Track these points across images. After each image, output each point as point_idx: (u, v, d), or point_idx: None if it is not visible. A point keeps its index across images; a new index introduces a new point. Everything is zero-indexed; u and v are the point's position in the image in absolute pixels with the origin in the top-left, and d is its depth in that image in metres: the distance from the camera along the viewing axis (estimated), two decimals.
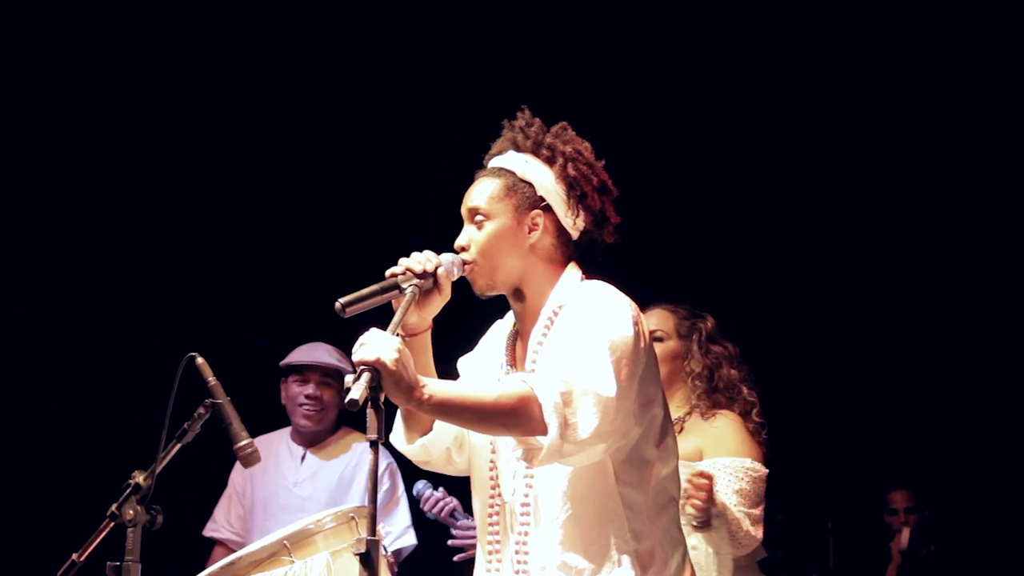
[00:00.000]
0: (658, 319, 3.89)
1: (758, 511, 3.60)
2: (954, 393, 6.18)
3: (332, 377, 4.85)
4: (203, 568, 2.99)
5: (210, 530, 4.90)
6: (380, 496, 4.66)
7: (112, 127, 5.81)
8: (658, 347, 3.77)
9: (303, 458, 4.87)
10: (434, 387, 2.47)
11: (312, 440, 4.89)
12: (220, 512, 4.90)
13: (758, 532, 3.58)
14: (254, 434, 3.01)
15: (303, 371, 4.87)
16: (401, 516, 4.78)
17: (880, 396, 6.22)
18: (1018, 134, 5.78)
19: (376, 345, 2.39)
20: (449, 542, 4.08)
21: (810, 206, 6.04)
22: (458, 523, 4.05)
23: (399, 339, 2.44)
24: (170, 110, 5.84)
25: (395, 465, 4.74)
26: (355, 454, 4.83)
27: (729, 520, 3.52)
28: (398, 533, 4.75)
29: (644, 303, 3.84)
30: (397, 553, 4.76)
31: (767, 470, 3.67)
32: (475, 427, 2.63)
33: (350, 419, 4.97)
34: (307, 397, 4.82)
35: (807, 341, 5.86)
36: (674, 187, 5.84)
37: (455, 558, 4.05)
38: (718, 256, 5.81)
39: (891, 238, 6.11)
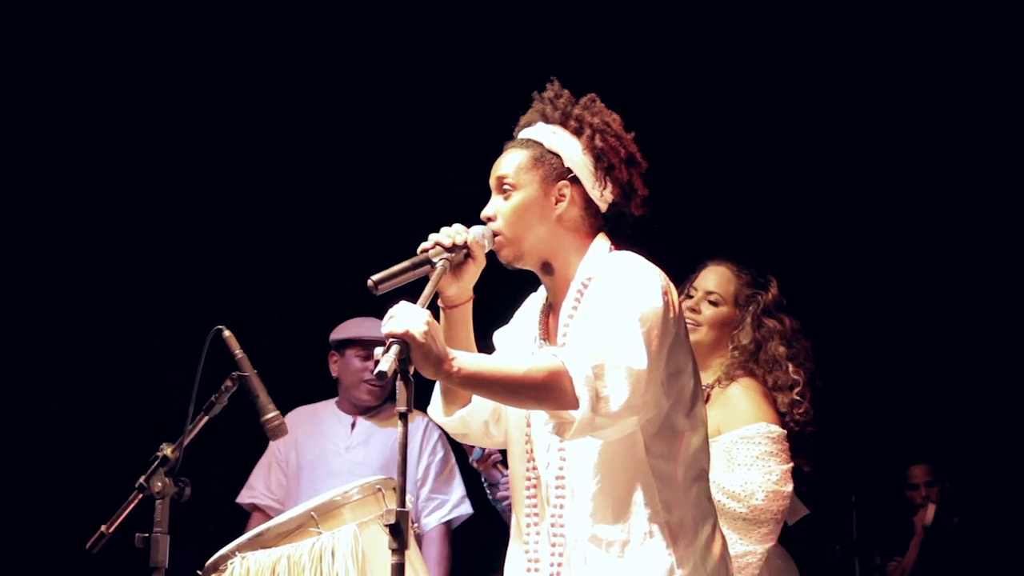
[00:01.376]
0: (720, 280, 3.82)
1: (785, 467, 3.53)
2: (974, 368, 6.17)
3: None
4: (232, 539, 3.01)
5: (247, 497, 4.86)
6: (435, 465, 4.79)
7: (143, 109, 5.83)
8: (712, 312, 3.77)
9: (353, 424, 4.89)
10: (464, 360, 2.47)
11: (363, 409, 4.91)
12: (258, 479, 4.88)
13: (786, 487, 3.51)
14: (280, 407, 3.02)
15: (368, 346, 4.84)
16: (457, 485, 4.82)
17: (903, 369, 6.21)
18: None
19: (405, 318, 2.40)
20: (500, 496, 4.12)
21: (837, 181, 6.02)
22: (504, 475, 4.07)
23: (428, 312, 2.45)
24: (193, 102, 5.86)
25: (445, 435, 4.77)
26: (410, 424, 4.82)
27: (754, 498, 3.47)
28: (455, 502, 4.79)
29: (684, 269, 3.84)
30: (449, 523, 4.79)
31: (784, 430, 3.60)
32: (505, 400, 2.63)
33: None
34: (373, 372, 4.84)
35: (826, 317, 5.85)
36: (701, 157, 5.82)
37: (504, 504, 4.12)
38: (746, 230, 5.80)
39: (910, 219, 6.09)
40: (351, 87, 5.91)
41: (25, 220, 5.78)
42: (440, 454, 4.81)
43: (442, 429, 4.62)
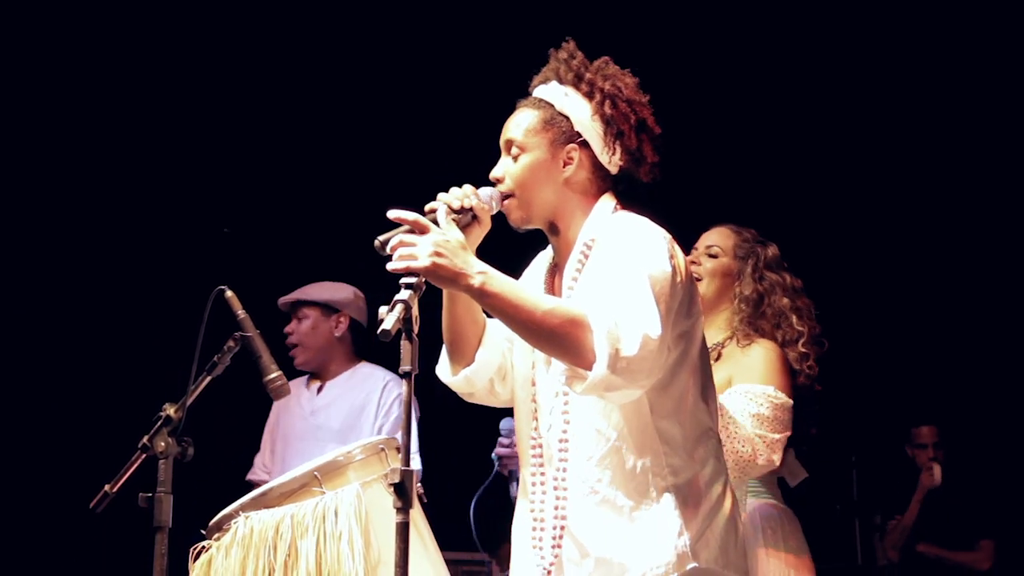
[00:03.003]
0: (718, 236, 3.86)
1: (778, 436, 3.52)
2: (978, 329, 6.18)
3: (307, 307, 4.87)
4: (234, 499, 3.01)
5: (250, 474, 4.94)
6: (390, 425, 4.73)
7: (149, 86, 5.84)
8: (711, 263, 3.81)
9: (319, 390, 4.91)
10: (490, 279, 2.48)
11: (323, 374, 4.92)
12: (257, 455, 4.97)
13: (774, 456, 3.50)
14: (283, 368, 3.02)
15: (286, 309, 4.94)
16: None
17: (905, 330, 6.23)
18: None
19: (408, 252, 2.43)
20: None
21: (845, 147, 6.03)
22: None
23: (436, 234, 2.46)
24: (200, 94, 5.88)
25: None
26: (366, 386, 4.83)
27: (737, 439, 3.48)
28: None
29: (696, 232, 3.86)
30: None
31: (791, 401, 3.59)
32: (520, 331, 2.56)
33: (366, 351, 4.99)
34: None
35: (833, 275, 5.85)
36: (712, 129, 5.82)
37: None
38: (757, 190, 5.80)
39: (917, 184, 6.09)
40: (354, 87, 5.93)
41: (28, 185, 5.78)
42: (395, 413, 4.73)
43: (403, 388, 4.68)
